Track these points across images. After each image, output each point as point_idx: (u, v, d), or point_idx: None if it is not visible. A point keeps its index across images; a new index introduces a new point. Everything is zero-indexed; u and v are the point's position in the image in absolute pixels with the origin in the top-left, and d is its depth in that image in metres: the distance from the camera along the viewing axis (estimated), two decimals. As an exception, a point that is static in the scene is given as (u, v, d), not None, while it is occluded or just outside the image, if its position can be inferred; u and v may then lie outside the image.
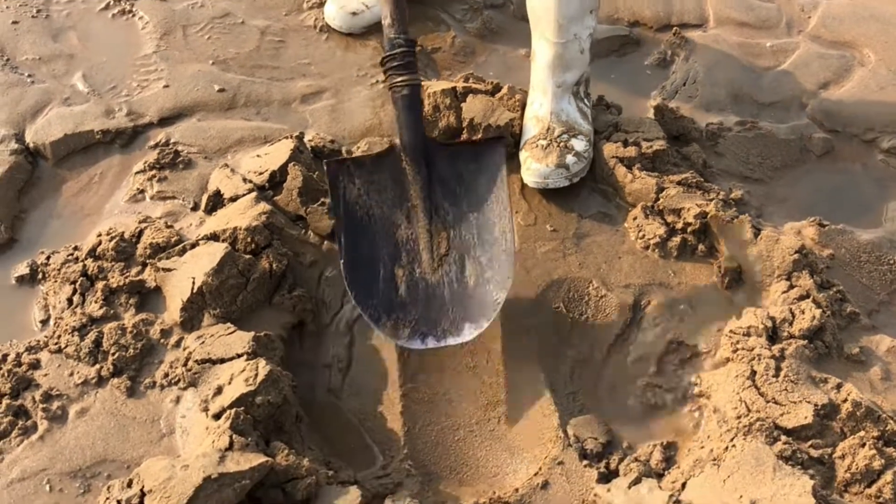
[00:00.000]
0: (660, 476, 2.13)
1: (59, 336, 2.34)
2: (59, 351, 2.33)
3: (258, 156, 2.70)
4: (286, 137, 2.73)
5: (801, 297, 2.37)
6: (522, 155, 2.69)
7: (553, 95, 2.70)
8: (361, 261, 2.36)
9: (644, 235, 2.55)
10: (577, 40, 2.65)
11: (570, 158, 2.63)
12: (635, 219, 2.58)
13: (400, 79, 2.35)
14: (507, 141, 2.46)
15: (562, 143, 2.64)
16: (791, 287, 2.40)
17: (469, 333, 2.31)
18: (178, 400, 2.23)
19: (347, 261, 2.33)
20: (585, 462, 2.15)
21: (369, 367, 2.34)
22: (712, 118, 2.94)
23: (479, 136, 2.69)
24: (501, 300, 2.31)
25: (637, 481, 2.06)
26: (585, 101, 2.75)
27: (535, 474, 2.14)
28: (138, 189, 2.72)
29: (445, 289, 2.36)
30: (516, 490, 2.13)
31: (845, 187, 2.81)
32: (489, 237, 2.37)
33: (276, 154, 2.66)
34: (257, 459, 1.98)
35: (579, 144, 2.66)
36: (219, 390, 2.16)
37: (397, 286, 2.36)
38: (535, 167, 2.64)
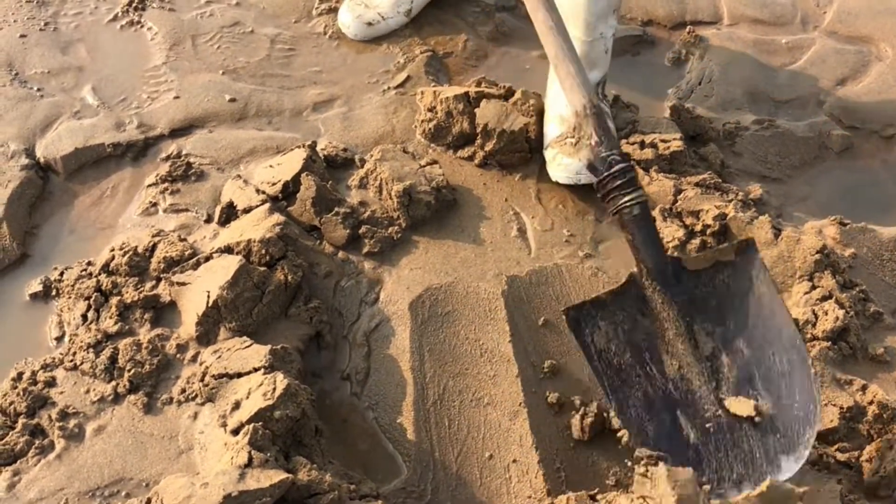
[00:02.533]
0: (685, 483, 2.10)
1: (75, 353, 2.32)
2: (75, 368, 2.31)
3: (270, 166, 2.68)
4: (298, 147, 2.70)
5: (824, 298, 2.34)
6: (549, 153, 2.66)
7: None
8: (636, 412, 2.07)
9: (663, 238, 2.51)
10: (602, 39, 2.66)
11: None
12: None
13: (628, 198, 2.12)
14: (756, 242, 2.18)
15: None
16: (813, 288, 2.37)
17: (789, 467, 1.97)
18: (195, 416, 2.21)
19: (622, 415, 2.08)
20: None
21: (388, 378, 2.31)
22: (729, 117, 2.91)
23: (724, 243, 2.42)
24: (816, 418, 1.99)
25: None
26: (604, 101, 2.74)
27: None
28: (151, 202, 2.70)
29: (742, 424, 2.04)
30: (539, 501, 2.11)
31: (865, 184, 2.79)
32: (772, 351, 2.07)
33: (289, 164, 2.64)
34: (278, 476, 1.95)
35: None
36: (236, 405, 2.13)
37: (685, 434, 2.05)
38: (566, 162, 2.61)
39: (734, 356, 2.08)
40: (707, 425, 2.04)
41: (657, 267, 2.13)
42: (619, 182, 2.13)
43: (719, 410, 2.04)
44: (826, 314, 2.28)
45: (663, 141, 2.65)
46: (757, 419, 2.00)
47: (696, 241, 2.49)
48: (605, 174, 2.14)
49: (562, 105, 2.69)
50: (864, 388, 2.16)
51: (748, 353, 2.07)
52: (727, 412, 2.04)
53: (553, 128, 2.70)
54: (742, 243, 2.13)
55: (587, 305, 2.14)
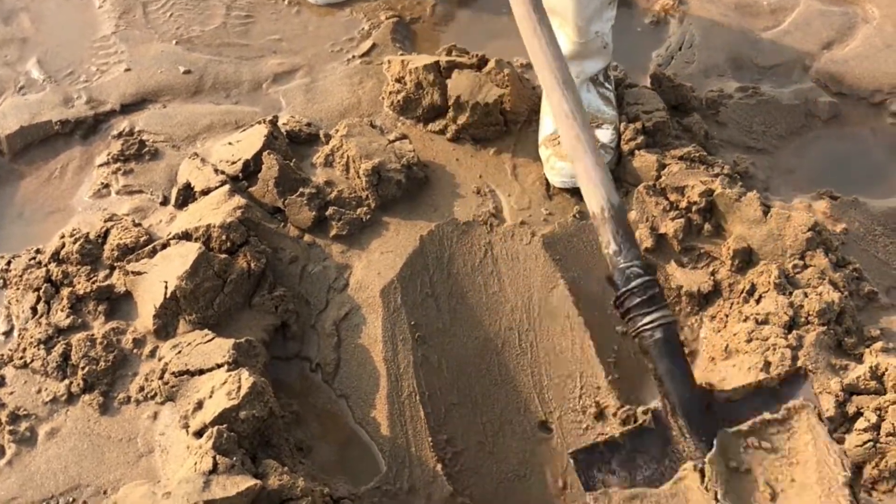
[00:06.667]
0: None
1: (25, 349, 2.24)
2: (25, 366, 2.22)
3: (229, 143, 2.59)
4: (259, 122, 2.61)
5: (817, 278, 2.25)
6: (544, 152, 2.53)
7: None
8: None
9: (647, 216, 2.40)
10: (598, 37, 2.50)
11: None
12: (637, 199, 2.44)
13: (648, 319, 1.80)
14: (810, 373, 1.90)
15: None
16: (805, 267, 2.28)
17: None
18: (155, 416, 2.13)
19: None
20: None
21: (360, 369, 2.22)
22: (712, 85, 2.84)
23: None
24: None
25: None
26: (607, 84, 2.60)
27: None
28: (102, 183, 2.61)
29: None
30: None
31: (854, 154, 2.72)
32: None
33: (249, 141, 2.54)
34: (245, 483, 1.85)
35: (605, 135, 2.50)
36: (199, 405, 2.04)
37: None
38: (559, 166, 2.48)
39: None
40: None
41: (684, 403, 1.81)
42: (637, 300, 1.83)
43: None
44: (820, 296, 2.18)
45: (646, 112, 2.55)
46: None
47: (681, 219, 2.38)
48: (624, 290, 1.84)
49: None
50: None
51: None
52: None
53: (548, 122, 2.57)
54: (790, 372, 1.84)
55: (599, 447, 1.81)
